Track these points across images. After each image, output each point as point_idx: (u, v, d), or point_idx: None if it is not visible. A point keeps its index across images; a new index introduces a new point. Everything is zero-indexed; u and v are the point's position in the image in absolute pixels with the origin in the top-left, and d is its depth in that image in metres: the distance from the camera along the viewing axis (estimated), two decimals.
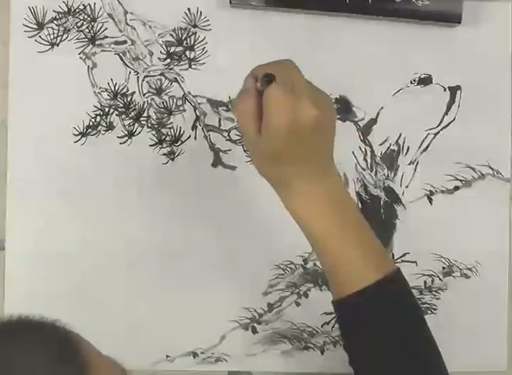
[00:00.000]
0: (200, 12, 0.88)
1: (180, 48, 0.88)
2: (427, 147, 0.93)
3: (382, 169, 0.92)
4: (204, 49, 0.88)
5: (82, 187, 0.87)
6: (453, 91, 0.93)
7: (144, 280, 0.88)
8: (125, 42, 0.87)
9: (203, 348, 0.89)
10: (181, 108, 0.89)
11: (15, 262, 0.86)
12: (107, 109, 0.87)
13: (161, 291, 0.88)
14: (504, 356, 0.94)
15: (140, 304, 0.88)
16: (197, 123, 0.89)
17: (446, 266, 0.93)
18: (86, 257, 0.87)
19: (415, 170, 0.92)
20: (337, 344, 0.90)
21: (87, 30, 0.87)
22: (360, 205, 0.92)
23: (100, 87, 0.87)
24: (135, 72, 0.88)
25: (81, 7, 0.86)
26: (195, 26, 0.88)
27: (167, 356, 0.89)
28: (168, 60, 0.88)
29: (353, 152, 0.91)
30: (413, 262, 0.92)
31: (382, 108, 0.92)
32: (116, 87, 0.87)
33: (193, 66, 0.88)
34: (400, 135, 0.92)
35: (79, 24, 0.87)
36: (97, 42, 0.87)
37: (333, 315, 0.88)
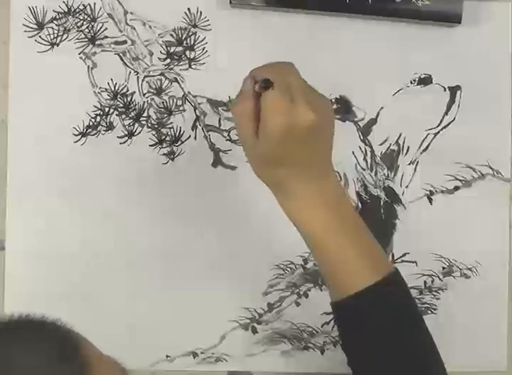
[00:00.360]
0: (200, 12, 0.88)
1: (180, 48, 0.88)
2: (427, 147, 0.93)
3: (382, 169, 0.92)
4: (204, 49, 0.88)
5: (82, 187, 0.87)
6: (453, 91, 0.93)
7: (143, 279, 0.88)
8: (125, 42, 0.87)
9: (203, 348, 0.89)
10: (181, 108, 0.89)
11: (15, 262, 0.86)
12: (107, 109, 0.87)
13: (161, 290, 0.88)
14: (504, 356, 0.94)
15: (140, 304, 0.88)
16: (197, 123, 0.89)
17: (446, 266, 0.93)
18: (86, 257, 0.87)
19: (415, 170, 0.92)
20: (337, 344, 0.90)
21: (87, 30, 0.87)
22: (360, 205, 0.92)
23: (100, 87, 0.87)
24: (135, 72, 0.88)
25: (81, 7, 0.86)
26: (195, 26, 0.88)
27: (167, 356, 0.89)
28: (168, 60, 0.88)
29: (353, 152, 0.91)
30: (413, 262, 0.92)
31: (382, 108, 0.92)
32: (116, 87, 0.87)
33: (193, 66, 0.88)
34: (400, 135, 0.92)
35: (79, 24, 0.87)
36: (97, 42, 0.87)
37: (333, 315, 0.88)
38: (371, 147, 0.92)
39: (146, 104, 0.88)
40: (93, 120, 0.87)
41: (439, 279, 0.93)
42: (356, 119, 0.91)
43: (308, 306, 0.91)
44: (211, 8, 0.88)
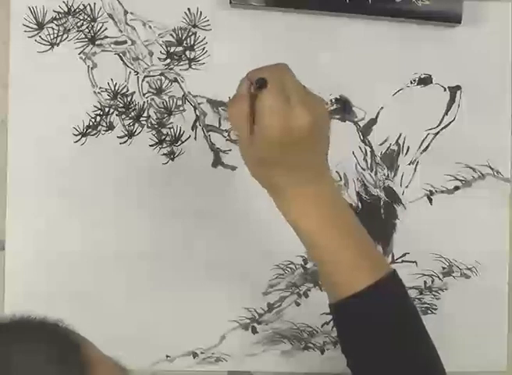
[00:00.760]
0: (200, 12, 0.88)
1: (180, 48, 0.88)
2: (427, 147, 0.93)
3: (382, 169, 0.92)
4: (204, 49, 0.88)
5: (82, 187, 0.87)
6: (453, 91, 0.93)
7: (143, 279, 0.88)
8: (125, 42, 0.87)
9: (203, 348, 0.89)
10: (181, 108, 0.89)
11: (15, 262, 0.86)
12: (107, 109, 0.87)
13: (161, 290, 0.88)
14: (504, 356, 0.94)
15: (140, 304, 0.88)
16: (197, 123, 0.89)
17: (446, 266, 0.93)
18: (86, 257, 0.87)
19: (415, 170, 0.92)
20: (337, 344, 0.90)
21: (87, 30, 0.87)
22: (360, 205, 0.92)
23: (100, 87, 0.87)
24: (135, 72, 0.88)
25: (81, 7, 0.86)
26: (195, 26, 0.88)
27: (167, 356, 0.89)
28: (168, 60, 0.88)
29: (353, 152, 0.91)
30: (413, 262, 0.92)
31: (382, 108, 0.92)
32: (116, 87, 0.87)
33: (193, 66, 0.88)
34: (400, 135, 0.92)
35: (79, 24, 0.87)
36: (97, 42, 0.87)
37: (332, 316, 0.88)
38: (371, 147, 0.92)
39: (146, 104, 0.88)
40: (93, 120, 0.87)
41: (439, 279, 0.93)
42: (356, 119, 0.91)
43: (308, 306, 0.91)
44: (211, 8, 0.88)
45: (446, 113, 0.93)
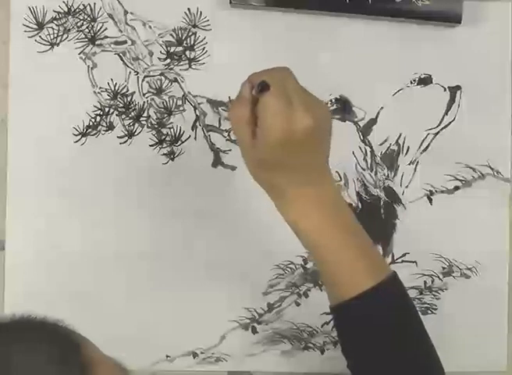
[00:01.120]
0: (200, 12, 0.88)
1: (180, 48, 0.88)
2: (427, 147, 0.93)
3: (382, 169, 0.92)
4: (204, 49, 0.88)
5: (82, 187, 0.87)
6: (453, 91, 0.93)
7: (143, 279, 0.88)
8: (125, 42, 0.87)
9: (203, 348, 0.89)
10: (181, 108, 0.89)
11: (15, 262, 0.86)
12: (107, 109, 0.87)
13: (161, 290, 0.88)
14: (504, 356, 0.94)
15: (140, 304, 0.88)
16: (197, 123, 0.89)
17: (446, 266, 0.93)
18: (86, 257, 0.87)
19: (415, 170, 0.92)
20: (337, 344, 0.90)
21: (87, 30, 0.87)
22: (360, 205, 0.92)
23: (100, 87, 0.87)
24: (135, 72, 0.88)
25: (81, 7, 0.86)
26: (195, 26, 0.88)
27: (167, 356, 0.89)
28: (168, 60, 0.88)
29: (353, 152, 0.91)
30: (413, 262, 0.92)
31: (382, 108, 0.92)
32: (116, 87, 0.87)
33: (193, 66, 0.88)
34: (400, 135, 0.92)
35: (79, 24, 0.87)
36: (97, 42, 0.87)
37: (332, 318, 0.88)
38: (371, 147, 0.92)
39: (146, 104, 0.88)
40: (93, 120, 0.87)
41: (439, 279, 0.93)
42: (356, 119, 0.91)
43: (308, 306, 0.91)
44: (211, 8, 0.88)
45: (446, 113, 0.93)
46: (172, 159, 0.89)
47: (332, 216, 0.66)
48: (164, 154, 0.88)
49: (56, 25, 0.86)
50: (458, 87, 0.93)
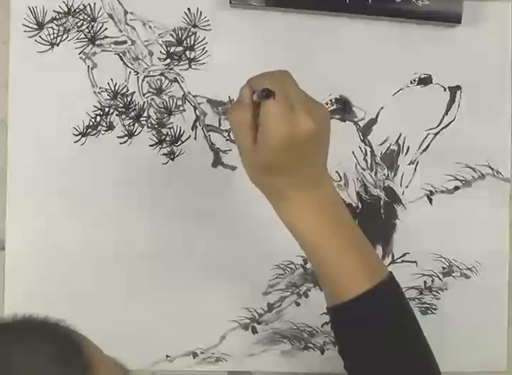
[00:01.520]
0: (200, 12, 0.88)
1: (180, 48, 0.88)
2: (427, 147, 0.93)
3: (382, 169, 0.92)
4: (204, 49, 0.88)
5: (82, 187, 0.87)
6: (453, 91, 0.93)
7: (143, 279, 0.88)
8: (125, 42, 0.87)
9: (203, 348, 0.89)
10: (181, 108, 0.89)
11: (15, 262, 0.86)
12: (107, 109, 0.87)
13: (161, 290, 0.88)
14: (504, 356, 0.94)
15: (140, 304, 0.88)
16: (197, 123, 0.89)
17: (446, 266, 0.93)
18: (86, 257, 0.87)
19: (415, 170, 0.92)
20: None
21: (87, 30, 0.87)
22: (360, 205, 0.92)
23: (100, 87, 0.87)
24: (135, 72, 0.88)
25: (81, 7, 0.86)
26: (195, 26, 0.88)
27: (167, 356, 0.89)
28: (168, 60, 0.88)
29: (353, 152, 0.91)
30: (413, 262, 0.92)
31: (382, 108, 0.92)
32: (116, 87, 0.87)
33: (193, 66, 0.88)
34: (400, 135, 0.92)
35: (79, 24, 0.87)
36: (97, 42, 0.87)
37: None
38: (371, 147, 0.92)
39: (146, 104, 0.88)
40: (93, 120, 0.87)
41: (439, 279, 0.93)
42: (356, 119, 0.91)
43: (308, 306, 0.91)
44: (211, 8, 0.88)
45: (446, 113, 0.93)
46: (172, 159, 0.89)
47: (331, 217, 0.66)
48: (164, 154, 0.88)
49: (56, 25, 0.86)
50: (458, 87, 0.93)
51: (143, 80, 0.88)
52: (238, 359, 0.90)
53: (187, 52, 0.88)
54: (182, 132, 0.89)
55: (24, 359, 0.48)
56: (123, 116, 0.88)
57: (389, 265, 0.91)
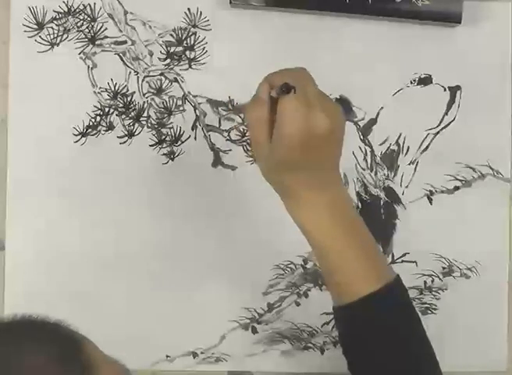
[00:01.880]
0: (201, 12, 0.88)
1: (180, 48, 0.88)
2: (427, 147, 0.93)
3: (382, 169, 0.92)
4: (204, 49, 0.88)
5: (82, 187, 0.87)
6: (453, 91, 0.93)
7: (143, 279, 0.88)
8: (125, 42, 0.87)
9: (203, 348, 0.89)
10: (181, 108, 0.89)
11: (15, 262, 0.86)
12: (107, 109, 0.87)
13: (161, 290, 0.88)
14: (504, 356, 0.94)
15: (140, 304, 0.88)
16: (197, 123, 0.89)
17: (446, 266, 0.93)
18: (86, 257, 0.87)
19: (415, 170, 0.92)
20: (337, 344, 0.90)
21: (87, 30, 0.87)
22: (360, 205, 0.92)
23: (100, 87, 0.87)
24: (135, 72, 0.88)
25: (81, 7, 0.86)
26: (195, 26, 0.88)
27: (167, 356, 0.89)
28: (168, 60, 0.88)
29: (353, 152, 0.91)
30: (413, 262, 0.92)
31: (382, 108, 0.92)
32: (116, 87, 0.87)
33: (193, 66, 0.88)
34: (400, 135, 0.92)
35: (79, 24, 0.87)
36: (97, 42, 0.87)
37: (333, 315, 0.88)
38: (371, 147, 0.92)
39: (146, 104, 0.88)
40: (93, 120, 0.87)
41: (439, 279, 0.93)
42: (356, 119, 0.91)
43: (308, 306, 0.91)
44: (211, 8, 0.88)
45: (446, 113, 0.93)
46: (172, 159, 0.89)
47: (341, 218, 0.66)
48: (164, 154, 0.88)
49: (56, 25, 0.86)
50: (458, 87, 0.93)
51: (143, 80, 0.88)
52: (238, 359, 0.90)
53: (187, 52, 0.88)
54: (182, 132, 0.89)
55: (24, 359, 0.48)
56: (123, 116, 0.88)
57: (388, 265, 0.91)
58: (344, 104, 0.91)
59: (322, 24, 0.90)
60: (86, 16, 0.87)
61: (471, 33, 0.92)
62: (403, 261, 0.92)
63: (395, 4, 0.89)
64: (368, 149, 0.92)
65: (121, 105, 0.87)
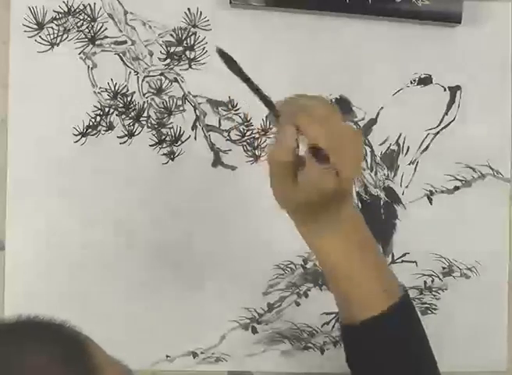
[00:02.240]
0: (201, 12, 0.88)
1: (180, 48, 0.88)
2: (427, 147, 0.93)
3: (382, 169, 0.92)
4: (204, 49, 0.88)
5: (82, 187, 0.87)
6: (453, 91, 0.93)
7: (143, 279, 0.88)
8: (125, 42, 0.87)
9: (203, 348, 0.89)
10: (181, 108, 0.89)
11: (15, 262, 0.86)
12: (107, 109, 0.87)
13: (161, 290, 0.88)
14: (504, 356, 0.94)
15: (140, 304, 0.88)
16: (197, 123, 0.89)
17: (446, 266, 0.93)
18: (86, 257, 0.87)
19: (415, 170, 0.92)
20: (337, 344, 0.90)
21: (87, 30, 0.87)
22: (360, 205, 0.92)
23: (100, 87, 0.87)
24: (135, 72, 0.88)
25: (81, 7, 0.86)
26: (195, 26, 0.88)
27: (167, 356, 0.89)
28: (168, 60, 0.88)
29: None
30: (413, 262, 0.92)
31: (382, 108, 0.92)
32: (116, 87, 0.87)
33: (193, 66, 0.88)
34: (400, 135, 0.92)
35: (79, 24, 0.87)
36: (97, 42, 0.87)
37: (333, 315, 0.88)
38: (371, 147, 0.92)
39: (146, 104, 0.88)
40: (93, 120, 0.87)
41: (439, 279, 0.93)
42: (356, 119, 0.91)
43: (308, 306, 0.91)
44: (211, 8, 0.88)
45: (446, 113, 0.93)
46: (172, 159, 0.89)
47: (356, 239, 0.65)
48: (164, 154, 0.88)
49: (56, 25, 0.86)
50: (458, 87, 0.93)
51: (143, 80, 0.88)
52: (238, 359, 0.90)
53: (187, 52, 0.88)
54: (182, 132, 0.89)
55: (26, 359, 0.48)
56: (123, 116, 0.88)
57: (389, 265, 0.91)
58: (344, 104, 0.91)
59: (322, 24, 0.90)
60: (86, 16, 0.87)
61: (471, 33, 0.92)
62: (403, 261, 0.92)
63: (395, 4, 0.89)
64: (368, 149, 0.92)
65: (121, 105, 0.87)
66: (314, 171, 0.59)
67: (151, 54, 0.88)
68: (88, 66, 0.87)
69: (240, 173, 0.89)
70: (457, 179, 0.93)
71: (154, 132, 0.88)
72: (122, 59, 0.87)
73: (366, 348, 0.67)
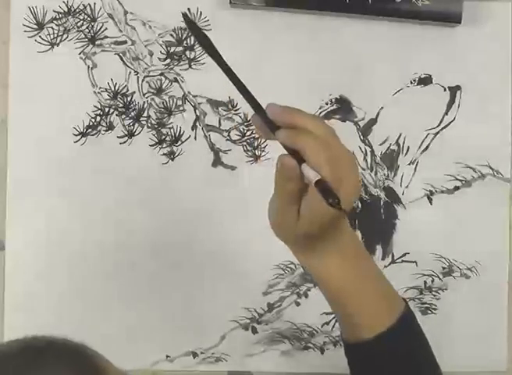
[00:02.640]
0: (201, 12, 0.88)
1: (180, 48, 0.88)
2: (427, 147, 0.93)
3: (382, 169, 0.92)
4: None
5: (82, 187, 0.87)
6: (453, 91, 0.93)
7: (143, 279, 0.88)
8: (125, 42, 0.87)
9: (203, 348, 0.89)
10: (181, 108, 0.89)
11: (15, 262, 0.86)
12: (107, 109, 0.87)
13: (161, 290, 0.88)
14: (504, 356, 0.94)
15: (140, 304, 0.88)
16: (197, 123, 0.89)
17: (446, 266, 0.93)
18: (86, 257, 0.87)
19: (415, 170, 0.92)
20: (337, 344, 0.90)
21: (87, 30, 0.87)
22: (360, 205, 0.92)
23: (100, 87, 0.87)
24: (135, 72, 0.88)
25: (81, 7, 0.86)
26: None
27: (167, 356, 0.89)
28: (168, 60, 0.88)
29: (353, 152, 0.91)
30: (413, 262, 0.92)
31: (382, 108, 0.92)
32: (116, 87, 0.87)
33: (193, 66, 0.88)
34: (400, 135, 0.92)
35: (79, 24, 0.87)
36: (97, 42, 0.87)
37: (333, 315, 0.88)
38: (371, 147, 0.92)
39: (146, 104, 0.88)
40: (93, 120, 0.87)
41: (439, 279, 0.93)
42: (356, 119, 0.91)
43: (308, 306, 0.91)
44: (211, 8, 0.88)
45: (446, 113, 0.93)
46: (172, 159, 0.89)
47: (353, 261, 0.65)
48: (164, 154, 0.88)
49: (56, 25, 0.86)
50: (458, 87, 0.93)
51: (143, 80, 0.88)
52: (238, 359, 0.90)
53: (187, 52, 0.88)
54: (182, 132, 0.89)
55: None
56: (123, 116, 0.88)
57: (389, 265, 0.91)
58: (344, 104, 0.91)
59: (322, 24, 0.90)
60: (86, 16, 0.87)
61: (471, 33, 0.92)
62: (403, 261, 0.92)
63: (395, 4, 0.89)
64: (368, 149, 0.92)
65: (121, 105, 0.87)
66: (317, 201, 0.56)
67: (151, 54, 0.88)
68: (88, 66, 0.87)
69: (239, 173, 0.89)
70: (457, 179, 0.93)
71: (154, 132, 0.88)
72: (122, 59, 0.87)
73: (377, 363, 0.67)
